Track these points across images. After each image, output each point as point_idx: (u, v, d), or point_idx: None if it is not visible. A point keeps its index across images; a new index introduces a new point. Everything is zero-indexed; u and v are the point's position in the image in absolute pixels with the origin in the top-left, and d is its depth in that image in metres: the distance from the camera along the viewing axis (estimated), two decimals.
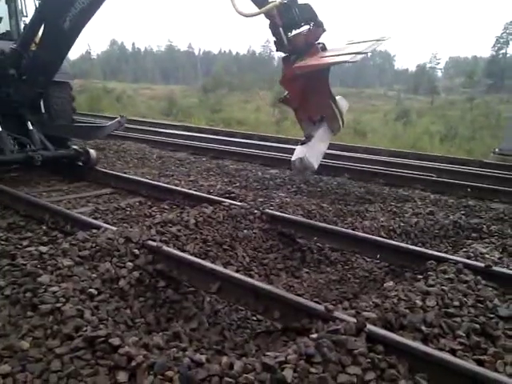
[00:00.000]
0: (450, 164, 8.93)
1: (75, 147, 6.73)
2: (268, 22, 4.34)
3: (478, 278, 2.97)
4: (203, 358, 2.11)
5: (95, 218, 4.65)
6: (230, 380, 1.95)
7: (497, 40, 56.42)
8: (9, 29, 7.38)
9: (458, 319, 2.49)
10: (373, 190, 6.31)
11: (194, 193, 5.49)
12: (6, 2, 7.35)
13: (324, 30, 4.49)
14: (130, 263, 3.21)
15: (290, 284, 3.64)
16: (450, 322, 2.45)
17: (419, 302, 2.57)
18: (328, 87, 4.49)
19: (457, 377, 2.01)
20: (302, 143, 4.33)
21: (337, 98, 4.89)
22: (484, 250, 3.68)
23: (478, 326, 2.46)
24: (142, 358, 2.11)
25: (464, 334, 2.38)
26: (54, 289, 2.70)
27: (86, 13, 5.18)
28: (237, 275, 2.98)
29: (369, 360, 2.03)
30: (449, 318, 2.49)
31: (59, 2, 5.27)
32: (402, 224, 4.61)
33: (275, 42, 4.43)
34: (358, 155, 9.55)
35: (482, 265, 3.15)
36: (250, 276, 3.52)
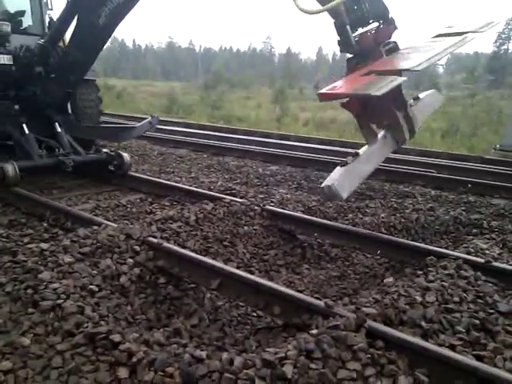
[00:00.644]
0: (450, 160, 8.92)
1: (106, 150, 6.28)
2: (332, 19, 3.98)
3: (478, 273, 2.97)
4: (203, 354, 2.12)
5: (96, 215, 4.66)
6: (230, 376, 1.96)
7: (498, 36, 56.28)
8: (31, 23, 7.00)
9: (458, 315, 2.49)
10: (373, 186, 6.31)
11: (195, 189, 5.49)
12: None
13: (395, 28, 4.11)
14: (131, 260, 3.21)
15: (291, 280, 3.65)
16: (450, 318, 2.45)
17: (419, 298, 2.57)
18: (392, 93, 3.73)
19: (456, 372, 2.01)
20: (343, 164, 3.85)
21: (424, 95, 4.54)
22: (484, 246, 3.68)
23: (477, 321, 2.46)
24: (142, 355, 2.12)
25: (464, 330, 2.39)
26: (55, 285, 2.71)
27: (124, 8, 4.83)
28: (237, 271, 2.99)
29: (369, 355, 2.03)
30: (449, 313, 2.49)
31: None
32: (402, 220, 4.61)
33: (339, 42, 4.07)
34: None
35: (482, 260, 3.15)
36: (251, 272, 3.52)
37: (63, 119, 6.28)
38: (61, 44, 5.91)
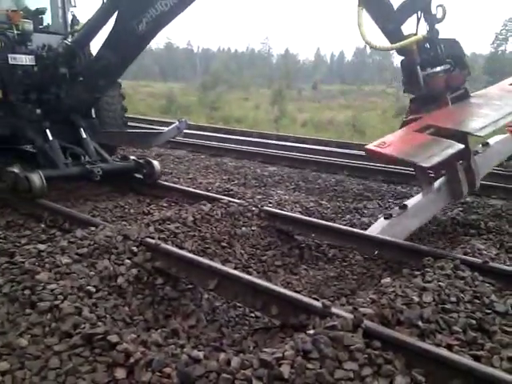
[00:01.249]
0: None
1: (134, 158, 5.96)
2: (401, 57, 3.85)
3: (475, 273, 2.97)
4: (201, 354, 2.12)
5: (93, 216, 4.66)
6: (227, 376, 1.96)
7: (496, 37, 56.33)
8: (52, 21, 6.61)
9: (455, 315, 2.49)
10: (371, 187, 6.32)
11: (193, 190, 5.50)
12: None
13: (469, 74, 3.93)
14: (129, 261, 3.22)
15: (288, 281, 3.65)
16: (447, 318, 2.45)
17: (416, 298, 2.57)
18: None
19: (453, 372, 2.02)
20: (386, 217, 3.63)
21: (494, 140, 4.23)
22: (481, 247, 3.69)
23: (474, 321, 2.47)
24: (139, 355, 2.13)
25: (461, 330, 2.39)
26: (53, 286, 2.72)
27: (167, 16, 4.51)
28: (235, 272, 3.00)
29: (366, 356, 2.04)
30: (446, 313, 2.50)
31: (137, 1, 4.58)
32: None
33: (405, 82, 3.88)
34: (357, 152, 9.54)
35: (480, 261, 3.16)
36: (249, 273, 3.52)
37: (87, 124, 5.92)
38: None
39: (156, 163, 5.78)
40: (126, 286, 3.03)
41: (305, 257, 4.10)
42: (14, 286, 2.78)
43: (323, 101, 35.24)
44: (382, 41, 3.85)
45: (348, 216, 4.91)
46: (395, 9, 3.96)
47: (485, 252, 3.55)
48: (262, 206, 4.49)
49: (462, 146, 3.22)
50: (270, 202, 5.04)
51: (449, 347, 2.26)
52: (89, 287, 2.83)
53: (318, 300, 2.61)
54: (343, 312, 2.38)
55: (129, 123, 7.51)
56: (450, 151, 3.12)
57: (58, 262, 3.03)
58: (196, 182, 6.37)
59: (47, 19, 6.60)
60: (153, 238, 3.46)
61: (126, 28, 4.72)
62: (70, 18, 6.53)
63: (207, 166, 7.68)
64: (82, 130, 5.76)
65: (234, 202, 4.56)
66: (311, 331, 2.20)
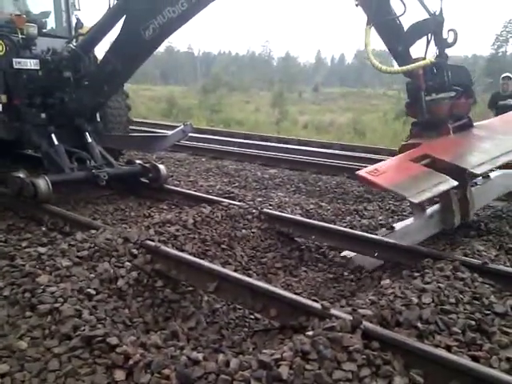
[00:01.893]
0: None
1: (140, 162, 5.95)
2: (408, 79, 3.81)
3: (475, 275, 2.97)
4: (200, 356, 2.13)
5: (94, 219, 4.67)
6: (226, 377, 1.97)
7: (496, 38, 56.31)
8: (56, 25, 6.61)
9: (454, 316, 2.49)
10: (371, 189, 6.31)
11: (194, 193, 5.51)
12: None
13: (475, 102, 3.89)
14: (129, 263, 3.23)
15: (288, 283, 3.65)
16: (446, 319, 2.45)
17: (415, 299, 2.57)
18: (450, 170, 3.39)
19: (451, 373, 2.02)
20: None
21: (496, 174, 4.14)
22: (481, 248, 3.69)
23: (473, 322, 2.47)
24: (139, 357, 2.13)
25: (460, 331, 2.39)
26: (53, 289, 2.73)
27: (174, 24, 4.47)
28: (234, 274, 3.00)
29: (364, 356, 2.04)
30: (445, 314, 2.50)
31: (145, 7, 4.53)
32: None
33: (408, 105, 3.86)
34: (357, 154, 9.55)
35: (479, 262, 3.16)
36: (249, 275, 3.53)
37: (93, 128, 5.87)
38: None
39: (162, 167, 5.74)
40: (126, 288, 3.04)
41: (305, 259, 4.10)
42: (15, 288, 2.79)
43: (324, 103, 35.31)
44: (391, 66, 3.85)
45: (348, 218, 4.92)
46: (405, 29, 3.91)
47: (484, 253, 3.54)
48: (262, 209, 4.50)
49: (455, 183, 3.19)
50: (271, 205, 5.05)
51: (448, 348, 2.26)
52: (89, 290, 2.84)
53: (317, 302, 2.62)
54: (342, 313, 2.38)
55: (130, 127, 7.49)
56: (442, 188, 3.10)
57: (58, 265, 3.04)
58: (197, 184, 6.39)
59: (51, 23, 6.61)
60: (153, 241, 3.47)
61: (132, 34, 4.69)
62: (74, 21, 6.47)
63: (208, 169, 7.69)
64: (87, 134, 5.73)
65: (234, 204, 4.57)
66: (310, 332, 2.21)
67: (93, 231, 3.65)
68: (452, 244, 4.25)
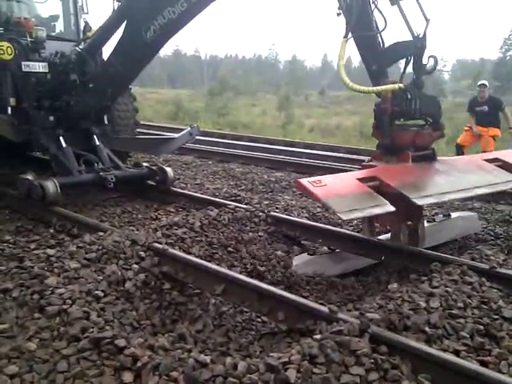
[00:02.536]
0: None
1: (147, 165, 5.97)
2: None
3: (483, 279, 2.96)
4: (208, 358, 2.13)
5: (102, 221, 4.69)
6: (233, 380, 1.97)
7: (504, 42, 56.16)
8: (64, 28, 6.67)
9: (462, 320, 2.48)
10: None
11: (200, 196, 5.53)
12: None
13: (442, 136, 3.80)
14: (136, 265, 3.24)
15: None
16: (454, 324, 2.44)
17: (423, 304, 2.57)
18: (402, 201, 3.26)
19: (460, 377, 2.01)
20: (310, 253, 3.64)
21: (457, 214, 4.17)
22: (489, 252, 3.67)
23: (482, 327, 2.45)
24: (147, 359, 2.14)
25: (468, 336, 2.38)
26: (61, 291, 2.75)
27: (175, 25, 4.43)
28: (241, 277, 3.01)
29: (372, 360, 2.04)
30: (453, 319, 2.49)
31: (144, 7, 4.51)
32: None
33: (374, 126, 3.78)
34: (363, 158, 9.52)
35: (487, 266, 3.14)
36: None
37: (100, 131, 5.90)
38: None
39: (169, 170, 5.79)
40: (133, 290, 3.05)
41: None
42: (23, 290, 2.82)
43: (330, 106, 35.29)
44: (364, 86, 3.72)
45: (355, 221, 4.90)
46: (387, 47, 3.78)
47: (492, 257, 3.52)
48: (268, 212, 4.50)
49: (391, 209, 3.10)
50: (277, 208, 5.05)
51: (456, 353, 2.25)
52: (97, 292, 2.86)
53: (324, 305, 2.62)
54: (350, 317, 2.38)
55: (137, 130, 7.51)
56: (376, 211, 3.04)
57: (66, 267, 3.06)
58: (203, 187, 6.40)
59: (60, 26, 6.67)
60: (160, 243, 3.48)
61: (133, 35, 4.70)
62: (82, 24, 6.53)
63: (214, 172, 7.71)
64: (95, 136, 5.76)
65: (241, 207, 4.57)
66: (318, 336, 2.20)
67: (101, 233, 3.67)
68: (459, 248, 4.24)
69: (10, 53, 5.41)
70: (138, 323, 2.82)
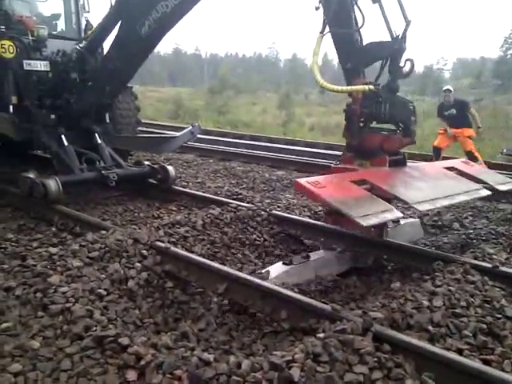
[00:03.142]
0: None
1: (148, 163, 5.99)
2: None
3: (485, 278, 2.96)
4: (211, 357, 2.13)
5: (104, 220, 4.69)
6: (237, 379, 1.97)
7: (505, 40, 56.02)
8: (66, 27, 6.67)
9: (465, 319, 2.49)
10: None
11: (202, 194, 5.53)
12: None
13: (413, 142, 3.67)
14: (139, 264, 3.24)
15: None
16: (457, 322, 2.45)
17: (426, 302, 2.57)
18: None
19: (463, 376, 2.01)
20: (285, 263, 3.46)
21: (405, 221, 4.10)
22: (491, 251, 3.67)
23: (484, 325, 2.46)
24: (150, 357, 2.14)
25: (471, 334, 2.39)
26: (64, 289, 2.75)
27: (169, 19, 4.43)
28: (244, 275, 3.01)
29: (375, 359, 2.04)
30: (456, 317, 2.49)
31: (139, 2, 4.55)
32: None
33: (345, 127, 3.72)
34: None
35: (490, 265, 3.14)
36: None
37: (102, 129, 5.88)
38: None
39: (171, 168, 5.79)
40: (136, 289, 3.06)
41: None
42: (26, 288, 2.82)
43: (330, 105, 35.19)
44: (336, 85, 3.60)
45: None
46: (363, 46, 3.69)
47: (495, 256, 3.52)
48: (270, 210, 4.50)
49: (400, 215, 3.10)
50: (279, 206, 5.05)
51: (459, 351, 2.25)
52: (100, 290, 2.86)
53: (327, 304, 2.62)
54: (353, 316, 2.38)
55: (138, 128, 7.51)
56: (389, 217, 2.97)
57: (69, 265, 3.06)
58: (205, 186, 6.40)
59: (61, 25, 6.67)
60: (163, 242, 3.48)
61: (129, 31, 4.73)
62: (83, 23, 6.56)
63: (216, 170, 7.71)
64: (96, 135, 5.74)
65: (243, 206, 4.57)
66: (321, 334, 2.21)
67: (103, 232, 3.67)
68: (462, 247, 4.24)
69: (11, 51, 5.41)
70: (140, 322, 2.82)
